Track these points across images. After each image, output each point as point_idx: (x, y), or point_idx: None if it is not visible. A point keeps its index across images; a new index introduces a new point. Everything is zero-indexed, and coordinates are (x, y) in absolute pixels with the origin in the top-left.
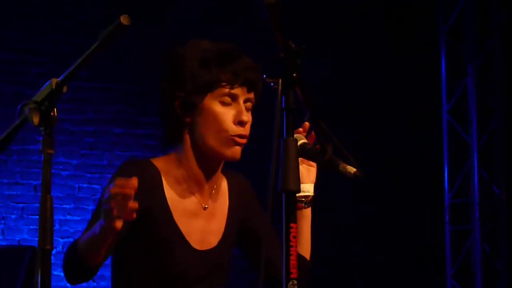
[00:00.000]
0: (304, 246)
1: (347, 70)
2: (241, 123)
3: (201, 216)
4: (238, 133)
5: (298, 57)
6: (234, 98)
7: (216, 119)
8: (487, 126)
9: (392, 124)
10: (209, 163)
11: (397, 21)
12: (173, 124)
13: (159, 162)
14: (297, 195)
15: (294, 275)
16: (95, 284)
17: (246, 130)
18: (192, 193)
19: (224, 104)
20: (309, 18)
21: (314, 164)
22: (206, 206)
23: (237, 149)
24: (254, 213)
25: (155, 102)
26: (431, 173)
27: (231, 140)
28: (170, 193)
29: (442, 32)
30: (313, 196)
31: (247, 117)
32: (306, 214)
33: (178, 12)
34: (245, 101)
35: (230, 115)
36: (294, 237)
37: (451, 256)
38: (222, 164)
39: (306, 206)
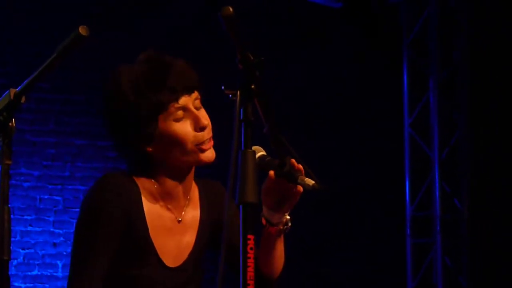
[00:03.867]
0: (277, 263)
1: (308, 81)
2: (202, 128)
3: (176, 231)
4: (204, 139)
5: (256, 68)
6: (184, 109)
7: (178, 139)
8: (449, 140)
9: (353, 136)
10: (181, 175)
11: (360, 32)
12: (135, 157)
13: (136, 177)
14: (280, 225)
15: (251, 286)
16: None
17: (209, 132)
18: (168, 209)
19: (178, 120)
20: (271, 30)
21: (298, 193)
22: (180, 219)
23: (208, 154)
24: (224, 210)
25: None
26: (392, 186)
27: (199, 150)
28: (148, 209)
29: (405, 45)
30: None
31: (205, 119)
32: (281, 237)
33: (144, 22)
34: (193, 103)
35: (188, 127)
36: (251, 248)
37: (412, 269)
38: (193, 171)
39: (284, 232)
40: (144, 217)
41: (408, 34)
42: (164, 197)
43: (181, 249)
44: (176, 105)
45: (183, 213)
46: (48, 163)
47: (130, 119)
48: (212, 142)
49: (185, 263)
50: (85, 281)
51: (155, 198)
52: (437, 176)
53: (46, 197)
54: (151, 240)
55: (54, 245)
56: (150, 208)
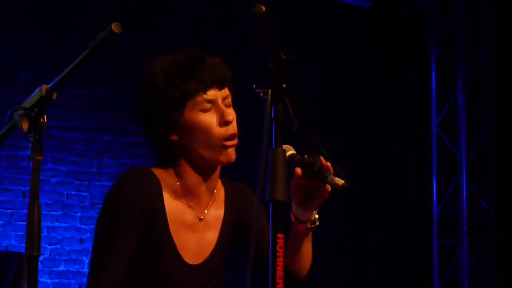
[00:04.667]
0: (304, 261)
1: (337, 82)
2: (226, 123)
3: (197, 228)
4: (226, 135)
5: (288, 67)
6: (212, 102)
7: (201, 129)
8: (476, 140)
9: (381, 136)
10: (205, 173)
11: (388, 32)
12: (161, 146)
13: (159, 173)
14: (308, 222)
15: (280, 285)
16: None
17: (233, 128)
18: (190, 206)
19: (204, 111)
20: (300, 29)
21: (326, 191)
22: (202, 217)
23: (230, 152)
24: (250, 211)
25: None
26: (420, 186)
27: (221, 146)
28: (169, 205)
29: (433, 45)
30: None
31: (230, 115)
32: (309, 236)
33: (169, 20)
34: (223, 100)
35: (213, 119)
36: (281, 247)
37: (438, 269)
38: (219, 170)
39: (312, 230)
40: (165, 213)
41: (436, 34)
42: (186, 194)
43: (202, 247)
44: (204, 96)
45: (206, 211)
46: (75, 159)
47: (158, 104)
48: (235, 143)
49: (207, 261)
50: (105, 275)
51: (176, 195)
52: (464, 176)
53: (73, 193)
54: (171, 236)
55: (81, 241)
56: (171, 205)
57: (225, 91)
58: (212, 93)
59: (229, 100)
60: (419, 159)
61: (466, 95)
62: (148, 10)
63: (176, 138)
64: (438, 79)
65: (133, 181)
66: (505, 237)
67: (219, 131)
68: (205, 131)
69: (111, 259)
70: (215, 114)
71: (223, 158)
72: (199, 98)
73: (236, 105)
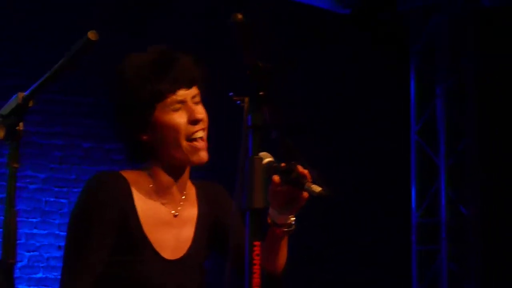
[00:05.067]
0: (280, 260)
1: (317, 89)
2: (195, 121)
3: (172, 225)
4: (196, 133)
5: (265, 75)
6: (182, 101)
7: (171, 129)
8: (455, 147)
9: (361, 143)
10: (176, 173)
11: (367, 40)
12: (132, 146)
13: (128, 174)
14: (284, 226)
15: None
16: None
17: (203, 124)
18: (163, 204)
19: (174, 110)
20: (276, 34)
21: (303, 198)
22: (176, 214)
23: (202, 153)
24: (226, 212)
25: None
26: (399, 193)
27: (191, 147)
28: (140, 205)
29: (413, 53)
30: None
31: (200, 113)
32: (286, 238)
33: (151, 27)
34: (192, 98)
35: (183, 118)
36: (258, 255)
37: (417, 276)
38: (188, 170)
39: (288, 234)
40: (137, 213)
41: (415, 42)
42: (159, 193)
43: (180, 243)
44: (174, 97)
45: (179, 208)
46: (54, 166)
47: (129, 104)
48: (205, 143)
49: (185, 256)
50: (78, 280)
51: (148, 195)
52: (443, 183)
53: (52, 199)
54: (145, 235)
55: (59, 248)
56: (143, 205)
57: (194, 90)
58: (181, 93)
59: (198, 98)
60: (399, 166)
61: (445, 103)
62: (134, 13)
63: (146, 138)
64: (418, 86)
65: (102, 185)
66: (484, 243)
67: (187, 129)
68: (175, 130)
69: (82, 269)
70: (184, 113)
71: (195, 159)
72: (169, 99)
73: (215, 112)
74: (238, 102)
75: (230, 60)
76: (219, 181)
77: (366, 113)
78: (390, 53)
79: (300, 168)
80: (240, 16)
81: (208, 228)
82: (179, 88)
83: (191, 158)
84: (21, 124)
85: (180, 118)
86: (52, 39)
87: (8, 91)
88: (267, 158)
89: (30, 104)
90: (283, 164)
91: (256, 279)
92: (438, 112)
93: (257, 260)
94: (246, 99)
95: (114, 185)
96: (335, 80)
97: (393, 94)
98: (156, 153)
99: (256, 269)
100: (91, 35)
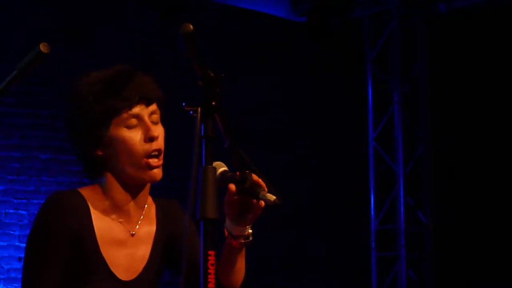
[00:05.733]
0: (237, 275)
1: (273, 97)
2: (151, 139)
3: (128, 244)
4: (150, 151)
5: (217, 85)
6: (137, 117)
7: (125, 145)
8: (413, 154)
9: (319, 150)
10: (133, 190)
11: (324, 48)
12: (88, 161)
13: (86, 192)
14: (241, 238)
15: None
16: None
17: (158, 144)
18: (120, 222)
19: (130, 127)
20: (233, 45)
21: (259, 207)
22: (133, 232)
23: (155, 172)
24: (180, 226)
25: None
26: (357, 200)
27: (146, 165)
28: (97, 223)
29: (369, 60)
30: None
31: (155, 132)
32: (243, 251)
33: (107, 38)
34: (149, 116)
35: (138, 136)
36: (212, 264)
37: (377, 282)
38: (148, 187)
39: (245, 245)
40: (94, 232)
41: (371, 49)
42: (116, 211)
43: (134, 263)
44: (130, 112)
45: (137, 227)
46: (13, 178)
47: (84, 120)
48: (161, 162)
49: (139, 277)
50: None
51: (106, 213)
52: (401, 190)
53: (11, 211)
54: (101, 254)
55: (20, 259)
56: (100, 223)
57: (153, 107)
58: (137, 109)
59: (156, 117)
60: (358, 173)
61: (402, 110)
62: (89, 27)
63: (101, 153)
64: (375, 93)
65: (59, 204)
66: (442, 250)
67: (143, 147)
68: (129, 147)
69: (41, 283)
70: (140, 130)
71: (147, 177)
72: (124, 115)
73: (165, 123)
74: (191, 112)
75: (180, 71)
76: (171, 191)
77: (323, 120)
78: (347, 60)
79: (254, 177)
80: (191, 26)
81: (164, 246)
82: (135, 103)
83: (144, 176)
84: None
85: (135, 136)
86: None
87: None
88: (221, 168)
89: None
90: (237, 173)
91: None
92: (395, 118)
93: (212, 269)
94: (199, 109)
95: (71, 204)
96: (292, 88)
97: (351, 101)
98: (111, 168)
99: (211, 278)
100: (43, 47)
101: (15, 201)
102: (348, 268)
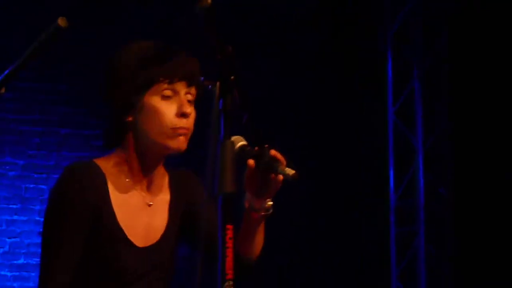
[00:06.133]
0: (256, 246)
1: (292, 71)
2: (183, 114)
3: (145, 213)
4: (179, 126)
5: (235, 60)
6: (175, 91)
7: (157, 114)
8: (433, 129)
9: (338, 125)
10: (152, 159)
11: (344, 22)
12: (116, 125)
13: (102, 162)
14: (262, 210)
15: (230, 276)
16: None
17: (188, 123)
18: (136, 191)
19: (164, 98)
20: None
21: (279, 181)
22: (150, 203)
23: (181, 140)
24: (197, 200)
25: (101, 105)
26: (377, 174)
27: (173, 132)
28: (114, 193)
29: (389, 34)
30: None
31: (189, 109)
32: (262, 222)
33: (128, 13)
34: (185, 94)
35: (171, 108)
36: (231, 238)
37: (396, 257)
38: (163, 160)
39: (264, 218)
40: (111, 202)
41: (392, 23)
42: (133, 181)
43: (152, 231)
44: (169, 85)
45: (153, 198)
46: (33, 152)
47: (124, 82)
48: (187, 136)
49: (157, 244)
50: (56, 271)
51: (122, 183)
52: (421, 165)
53: (31, 186)
54: (118, 223)
55: (40, 234)
56: (117, 193)
57: (191, 89)
58: (177, 84)
59: (192, 98)
60: (377, 147)
61: (422, 84)
62: (109, 4)
63: (131, 119)
64: (395, 68)
65: (76, 175)
66: (463, 225)
67: (173, 120)
68: (159, 117)
69: (59, 262)
70: (174, 104)
71: (173, 145)
72: (164, 85)
73: None
74: (209, 86)
75: (198, 45)
76: (189, 166)
77: (343, 95)
78: (367, 34)
79: (273, 152)
80: (209, 1)
81: (180, 216)
82: (176, 77)
83: (170, 144)
84: None
85: (168, 107)
86: (21, 27)
87: None
88: (240, 142)
89: (2, 91)
90: (256, 148)
91: (229, 263)
92: (415, 93)
93: (230, 243)
94: (217, 84)
95: (87, 175)
96: (312, 63)
97: (371, 76)
98: (137, 136)
99: (229, 252)
100: (61, 21)
101: (35, 175)
102: (368, 243)
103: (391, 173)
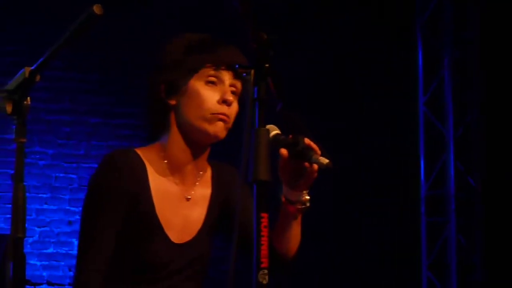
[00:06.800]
0: (293, 242)
1: (323, 62)
2: (225, 101)
3: (183, 207)
4: (220, 112)
5: (270, 47)
6: (220, 79)
7: (199, 97)
8: (463, 119)
9: (368, 116)
10: (193, 150)
11: (374, 13)
12: (158, 109)
13: (143, 152)
14: (298, 203)
15: (264, 264)
16: (71, 273)
17: (229, 111)
18: (176, 183)
19: (209, 83)
20: (285, 8)
21: (313, 171)
22: (189, 197)
23: (220, 125)
24: (236, 194)
25: (136, 93)
26: (407, 165)
27: (213, 117)
28: (154, 184)
29: (419, 24)
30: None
31: (231, 97)
32: (299, 217)
33: (160, 2)
34: (230, 85)
35: (214, 95)
36: (265, 226)
37: (426, 247)
38: (207, 152)
39: (302, 211)
40: (150, 193)
41: (422, 13)
42: (173, 172)
43: (189, 225)
44: (215, 71)
45: (192, 191)
46: (63, 142)
47: (172, 65)
48: (227, 125)
49: (193, 240)
50: (93, 257)
51: (163, 174)
52: (451, 155)
53: (61, 175)
54: (156, 215)
55: (70, 223)
56: (157, 184)
57: (237, 82)
58: (223, 72)
59: (236, 90)
60: (407, 138)
61: (452, 73)
62: None
63: (174, 102)
64: (425, 58)
65: (117, 163)
66: (493, 215)
67: (215, 105)
68: (202, 101)
69: (99, 241)
70: (217, 91)
71: (211, 129)
72: (210, 71)
73: None
74: (244, 74)
75: (232, 33)
76: (225, 155)
77: (373, 85)
78: (397, 24)
79: (307, 140)
80: None
81: (219, 210)
82: (224, 66)
83: (208, 129)
84: (28, 98)
85: (212, 92)
86: (56, 14)
87: (11, 68)
88: (274, 131)
89: (37, 78)
90: (290, 137)
91: (264, 251)
92: (446, 83)
93: (265, 232)
94: (252, 71)
95: (129, 162)
96: (341, 52)
97: (401, 66)
98: (178, 122)
99: (264, 240)
100: (96, 8)
101: (65, 165)
102: (398, 233)
103: (422, 163)
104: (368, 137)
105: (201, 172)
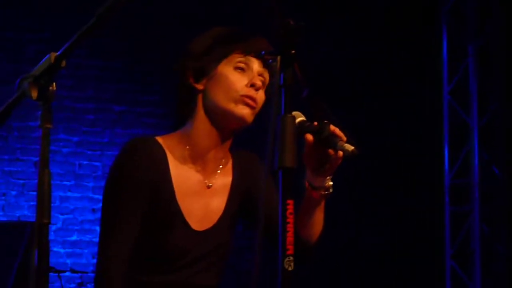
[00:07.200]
0: (316, 228)
1: (346, 51)
2: (253, 85)
3: (204, 195)
4: (249, 94)
5: (296, 34)
6: (248, 66)
7: (227, 81)
8: (488, 107)
9: (392, 104)
10: (218, 137)
11: (398, 1)
12: (186, 94)
13: (164, 140)
14: (322, 189)
15: (290, 251)
16: (94, 260)
17: (258, 96)
18: (197, 171)
19: (237, 69)
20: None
21: (338, 157)
22: (210, 184)
23: (247, 109)
24: (258, 180)
25: (161, 81)
26: (431, 154)
27: (241, 99)
28: (174, 171)
29: (443, 12)
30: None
31: (259, 82)
32: (322, 203)
33: None
34: (258, 74)
35: (242, 79)
36: (291, 213)
37: (450, 236)
38: (231, 141)
39: (325, 197)
40: (171, 181)
41: (446, 1)
42: (195, 159)
43: (209, 213)
44: (243, 58)
45: (213, 179)
46: (87, 129)
47: (202, 49)
48: (254, 111)
49: (214, 228)
50: (114, 244)
51: (184, 161)
52: (476, 144)
53: (85, 163)
54: (177, 203)
55: (93, 210)
56: (178, 172)
57: (264, 71)
58: (252, 59)
59: (263, 80)
60: (432, 126)
61: (477, 63)
62: None
63: (202, 87)
64: (449, 46)
65: (138, 150)
66: None
67: (243, 88)
68: (230, 84)
69: (120, 228)
70: (246, 76)
71: (238, 111)
72: (239, 57)
73: None
74: (270, 61)
75: (259, 19)
76: (250, 141)
77: (397, 75)
78: (421, 12)
79: (332, 127)
80: None
81: (240, 199)
82: (253, 53)
83: (235, 111)
84: (53, 84)
85: (240, 77)
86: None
87: (36, 56)
88: (300, 118)
89: (63, 64)
90: (315, 123)
91: (290, 238)
92: (470, 72)
93: (290, 218)
94: (278, 58)
95: (149, 150)
96: (366, 41)
97: (425, 54)
98: (205, 106)
99: (290, 227)
100: None
101: (89, 152)
102: (422, 221)
103: (446, 152)
104: (393, 126)
105: (223, 160)
